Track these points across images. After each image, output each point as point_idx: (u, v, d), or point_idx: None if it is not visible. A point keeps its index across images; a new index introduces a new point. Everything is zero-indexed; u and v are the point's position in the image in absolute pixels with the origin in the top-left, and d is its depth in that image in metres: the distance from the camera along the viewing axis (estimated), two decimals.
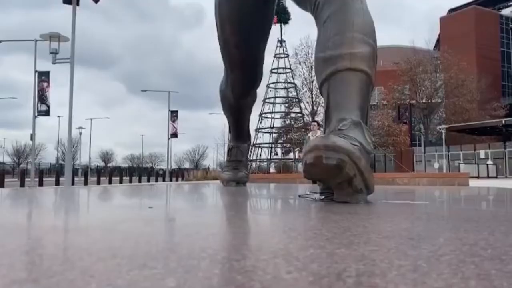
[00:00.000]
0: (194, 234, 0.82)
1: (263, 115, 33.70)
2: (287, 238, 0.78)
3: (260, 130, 33.68)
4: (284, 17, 31.80)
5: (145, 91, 40.86)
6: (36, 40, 16.30)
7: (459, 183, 5.93)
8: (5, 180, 21.42)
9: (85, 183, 22.78)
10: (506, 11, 51.09)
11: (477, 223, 0.98)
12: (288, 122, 34.89)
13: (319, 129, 6.94)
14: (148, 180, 29.28)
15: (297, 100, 33.78)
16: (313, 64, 2.14)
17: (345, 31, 1.81)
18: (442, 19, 49.31)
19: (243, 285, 0.44)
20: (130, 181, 28.36)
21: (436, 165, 25.98)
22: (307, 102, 34.18)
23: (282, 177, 9.32)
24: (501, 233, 0.82)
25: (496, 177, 25.21)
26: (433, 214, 1.27)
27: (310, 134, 6.67)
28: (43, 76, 16.95)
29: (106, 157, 79.28)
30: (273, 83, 33.64)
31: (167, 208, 1.70)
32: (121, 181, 26.97)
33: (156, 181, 29.23)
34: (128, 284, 0.44)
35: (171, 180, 27.33)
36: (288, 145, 34.29)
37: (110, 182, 25.90)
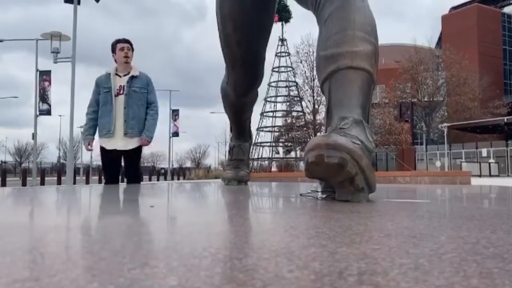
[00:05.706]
0: (196, 233, 0.82)
1: (265, 114, 33.67)
2: (289, 236, 0.78)
3: (261, 129, 33.66)
4: (285, 16, 31.74)
5: None
6: (37, 40, 16.30)
7: (461, 181, 5.92)
8: (7, 179, 21.48)
9: (87, 182, 22.80)
10: (508, 9, 50.93)
11: (479, 221, 0.98)
12: (289, 121, 34.84)
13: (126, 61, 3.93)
14: (150, 179, 29.31)
15: (298, 98, 33.74)
16: (315, 62, 2.14)
17: (346, 29, 1.81)
18: (444, 17, 49.20)
19: (244, 284, 0.44)
20: None
21: (438, 164, 25.93)
22: (309, 101, 34.19)
23: (283, 176, 9.31)
24: (503, 232, 0.81)
25: (498, 176, 25.20)
26: (434, 212, 1.27)
27: (112, 70, 3.90)
28: (44, 75, 16.92)
29: None
30: (274, 81, 33.58)
31: (169, 207, 1.70)
32: (122, 180, 26.98)
33: (158, 180, 29.26)
34: (129, 283, 0.44)
35: (172, 179, 27.35)
36: (289, 144, 34.28)
37: None
